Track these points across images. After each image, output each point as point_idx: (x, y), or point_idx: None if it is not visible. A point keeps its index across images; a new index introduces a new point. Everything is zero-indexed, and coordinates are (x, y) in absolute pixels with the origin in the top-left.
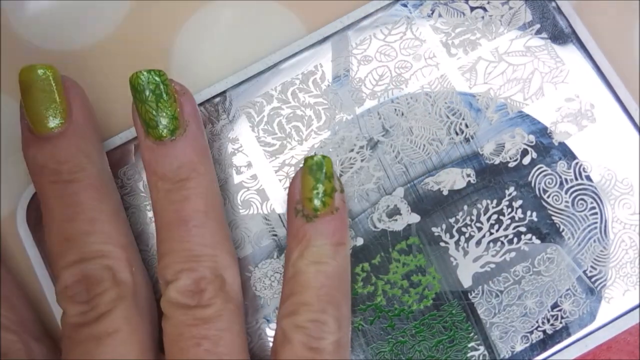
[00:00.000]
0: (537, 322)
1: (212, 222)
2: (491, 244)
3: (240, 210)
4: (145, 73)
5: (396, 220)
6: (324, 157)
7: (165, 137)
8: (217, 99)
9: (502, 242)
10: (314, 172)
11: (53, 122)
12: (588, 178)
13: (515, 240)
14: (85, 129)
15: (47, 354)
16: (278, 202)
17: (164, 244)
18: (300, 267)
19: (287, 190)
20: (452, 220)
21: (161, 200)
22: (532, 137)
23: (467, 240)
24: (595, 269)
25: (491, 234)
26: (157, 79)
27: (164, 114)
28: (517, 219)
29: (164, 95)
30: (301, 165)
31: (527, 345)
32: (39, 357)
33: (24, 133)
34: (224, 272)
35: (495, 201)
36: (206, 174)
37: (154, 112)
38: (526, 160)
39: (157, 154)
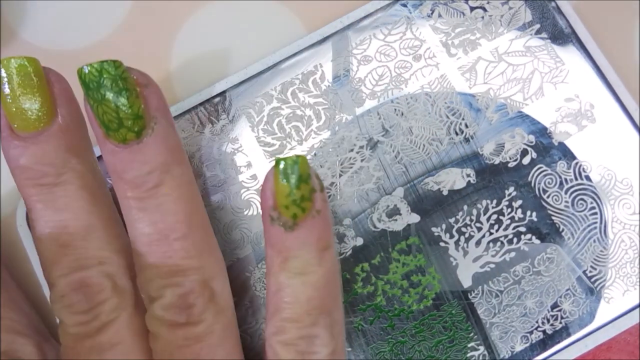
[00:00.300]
0: (537, 322)
1: (194, 231)
2: (491, 244)
3: (240, 210)
4: (96, 66)
5: (396, 220)
6: (297, 156)
7: (129, 140)
8: (217, 99)
9: (502, 242)
10: (288, 175)
11: (36, 120)
12: (588, 178)
13: (515, 240)
14: (73, 126)
15: (58, 354)
16: None
17: (143, 257)
18: (283, 280)
19: None
20: (452, 220)
21: (133, 211)
22: (532, 137)
23: (467, 240)
24: (595, 269)
25: (491, 234)
26: (113, 72)
27: (124, 115)
28: (517, 219)
29: (124, 92)
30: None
31: (527, 345)
32: (52, 358)
33: (3, 132)
34: (212, 283)
35: (495, 201)
36: (182, 176)
37: (113, 113)
38: (526, 160)
39: (123, 159)
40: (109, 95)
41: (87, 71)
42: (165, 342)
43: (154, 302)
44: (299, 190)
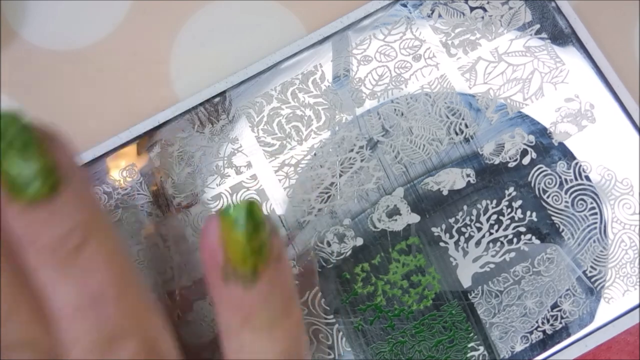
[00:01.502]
0: (536, 322)
1: (127, 290)
2: (491, 244)
3: None
4: None
5: (396, 220)
6: (247, 200)
7: (41, 197)
8: (217, 99)
9: (502, 243)
10: (239, 226)
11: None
12: (588, 178)
13: (515, 240)
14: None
15: None
16: (278, 203)
17: (74, 328)
18: (247, 337)
19: (287, 190)
20: (451, 220)
21: (55, 279)
22: (531, 137)
23: (467, 240)
24: (595, 269)
25: (491, 234)
26: (16, 124)
27: (34, 169)
28: (516, 219)
29: (30, 146)
30: (218, 213)
31: (527, 345)
32: None
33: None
34: (156, 343)
35: (495, 201)
36: (104, 231)
37: (18, 170)
38: (526, 161)
39: (35, 221)
40: (11, 151)
41: None
42: None
43: None
44: (257, 238)
